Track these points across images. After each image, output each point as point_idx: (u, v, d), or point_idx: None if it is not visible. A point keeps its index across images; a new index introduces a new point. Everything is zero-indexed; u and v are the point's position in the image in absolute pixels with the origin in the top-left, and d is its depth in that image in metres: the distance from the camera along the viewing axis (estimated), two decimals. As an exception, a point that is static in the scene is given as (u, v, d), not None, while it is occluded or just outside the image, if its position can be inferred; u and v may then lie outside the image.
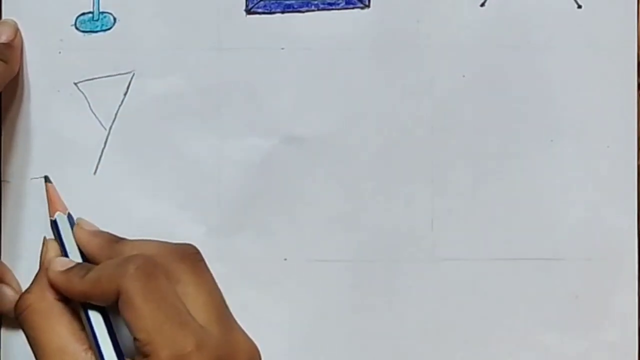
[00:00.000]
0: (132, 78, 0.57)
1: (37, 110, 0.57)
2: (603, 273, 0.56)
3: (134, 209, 0.57)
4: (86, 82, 0.57)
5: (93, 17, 0.57)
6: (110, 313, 0.50)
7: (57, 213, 0.54)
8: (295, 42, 0.57)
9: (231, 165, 0.57)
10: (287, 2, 0.57)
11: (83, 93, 0.57)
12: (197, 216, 0.56)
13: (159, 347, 0.46)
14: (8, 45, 0.55)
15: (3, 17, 0.56)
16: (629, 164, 0.57)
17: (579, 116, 0.57)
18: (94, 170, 0.57)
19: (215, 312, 0.49)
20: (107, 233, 0.54)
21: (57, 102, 0.57)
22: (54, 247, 0.53)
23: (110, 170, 0.57)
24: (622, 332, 0.56)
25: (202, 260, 0.51)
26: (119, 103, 0.57)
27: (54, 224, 0.54)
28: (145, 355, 0.46)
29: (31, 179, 0.57)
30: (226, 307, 0.50)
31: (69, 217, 0.54)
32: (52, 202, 0.55)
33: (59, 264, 0.51)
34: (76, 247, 0.53)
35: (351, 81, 0.57)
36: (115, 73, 0.57)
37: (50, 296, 0.50)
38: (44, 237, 0.54)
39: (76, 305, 0.50)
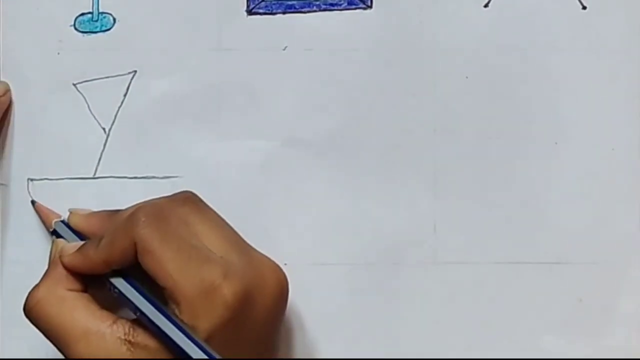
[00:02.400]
0: (132, 79, 0.57)
1: (36, 112, 0.56)
2: (608, 277, 0.56)
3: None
4: (85, 83, 0.57)
5: (92, 17, 0.56)
6: (132, 277, 0.49)
7: (54, 221, 0.54)
8: (296, 43, 0.57)
9: (231, 167, 0.56)
10: (289, 2, 0.56)
11: (82, 94, 0.56)
12: (197, 218, 0.56)
13: (187, 289, 0.46)
14: None
15: (2, 17, 0.56)
16: (635, 166, 0.56)
17: (584, 118, 0.56)
18: (93, 172, 0.57)
19: (230, 241, 0.49)
20: (102, 210, 0.53)
21: (56, 104, 0.56)
22: (61, 243, 0.52)
23: (109, 172, 0.56)
24: (627, 337, 0.56)
25: (202, 200, 0.51)
26: (119, 104, 0.57)
27: (55, 233, 0.54)
28: (177, 301, 0.46)
29: (30, 180, 0.56)
30: (239, 235, 0.50)
31: (63, 222, 0.54)
32: (46, 216, 0.55)
33: (69, 248, 0.50)
34: (80, 241, 0.52)
35: (353, 82, 0.57)
36: (115, 74, 0.57)
37: (61, 288, 0.49)
38: (53, 238, 0.54)
39: (94, 288, 0.50)
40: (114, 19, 0.57)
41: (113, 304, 0.50)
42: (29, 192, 0.56)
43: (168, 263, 0.46)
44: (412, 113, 0.57)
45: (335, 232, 0.56)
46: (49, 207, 0.56)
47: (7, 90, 0.56)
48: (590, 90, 0.56)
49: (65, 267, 0.50)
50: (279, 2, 0.57)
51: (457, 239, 0.56)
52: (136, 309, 0.48)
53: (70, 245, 0.51)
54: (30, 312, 0.49)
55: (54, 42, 0.56)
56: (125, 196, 0.56)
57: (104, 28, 0.57)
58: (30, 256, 0.56)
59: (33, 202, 0.56)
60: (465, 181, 0.56)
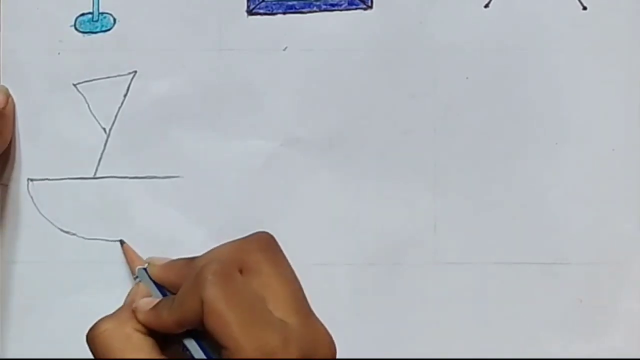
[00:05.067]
0: (132, 79, 0.57)
1: (36, 112, 0.56)
2: (608, 277, 0.56)
3: (134, 212, 0.56)
4: (86, 83, 0.56)
5: (93, 17, 0.56)
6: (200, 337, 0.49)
7: (137, 268, 0.53)
8: (297, 43, 0.57)
9: (232, 168, 0.56)
10: (289, 2, 0.56)
11: (82, 94, 0.56)
12: (197, 219, 0.56)
13: (248, 352, 0.46)
14: (0, 114, 0.55)
15: (2, 17, 0.56)
16: (635, 167, 0.56)
17: (584, 119, 0.56)
18: (93, 172, 0.57)
19: (296, 303, 0.49)
20: (179, 259, 0.52)
21: (56, 104, 0.56)
22: (143, 290, 0.52)
23: (109, 172, 0.56)
24: (627, 337, 0.56)
25: (279, 247, 0.50)
26: (119, 104, 0.56)
27: (137, 279, 0.53)
28: None
29: (30, 180, 0.56)
30: (304, 296, 0.50)
31: (146, 269, 0.53)
32: (131, 260, 0.56)
33: (145, 304, 0.50)
34: (159, 293, 0.52)
35: (353, 83, 0.56)
36: (115, 74, 0.57)
37: (129, 326, 0.49)
38: (136, 282, 0.53)
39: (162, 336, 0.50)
40: (114, 19, 0.57)
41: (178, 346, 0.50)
42: (29, 192, 0.56)
43: (231, 325, 0.46)
44: (412, 113, 0.56)
45: (335, 232, 0.56)
46: (136, 252, 0.56)
47: (8, 96, 0.56)
48: (590, 90, 0.56)
49: (141, 322, 0.49)
50: (279, 2, 0.57)
51: (457, 239, 0.56)
52: None
53: (146, 301, 0.50)
54: (94, 339, 0.49)
55: (54, 42, 0.56)
56: (125, 196, 0.56)
57: (104, 28, 0.57)
58: (31, 256, 0.56)
59: (122, 243, 0.56)
60: (465, 181, 0.56)
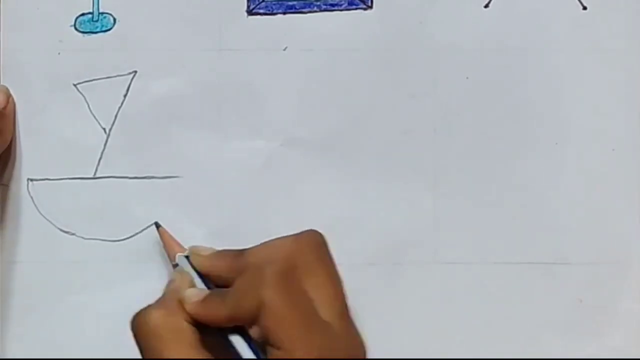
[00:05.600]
0: (132, 79, 0.57)
1: (36, 112, 0.56)
2: (608, 277, 0.56)
3: (134, 212, 0.56)
4: (86, 83, 0.56)
5: (93, 17, 0.56)
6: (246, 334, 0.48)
7: (177, 255, 0.53)
8: (297, 43, 0.57)
9: (232, 168, 0.56)
10: (289, 2, 0.56)
11: (82, 94, 0.56)
12: (197, 219, 0.56)
13: (301, 355, 0.46)
14: (0, 114, 0.55)
15: (3, 17, 0.56)
16: (635, 167, 0.56)
17: (584, 118, 0.56)
18: (93, 172, 0.56)
19: (340, 306, 0.48)
20: (226, 250, 0.52)
21: (56, 104, 0.56)
22: (185, 279, 0.51)
23: (109, 172, 0.56)
24: (627, 337, 0.56)
25: (329, 248, 0.50)
26: (119, 104, 0.56)
27: (176, 267, 0.53)
28: None
29: (30, 180, 0.56)
30: (346, 298, 0.49)
31: (187, 257, 0.52)
32: (170, 246, 0.54)
33: (194, 295, 0.49)
34: (201, 282, 0.51)
35: (353, 83, 0.56)
36: (115, 74, 0.57)
37: (180, 318, 0.48)
38: (176, 269, 0.52)
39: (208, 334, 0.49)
40: (114, 19, 0.57)
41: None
42: (29, 192, 0.56)
43: (291, 329, 0.46)
44: (412, 113, 0.56)
45: (335, 231, 0.56)
46: (174, 236, 0.55)
47: (9, 96, 0.56)
48: (590, 90, 0.56)
49: (189, 313, 0.48)
50: (279, 2, 0.57)
51: (457, 239, 0.56)
52: None
53: (194, 292, 0.49)
54: (143, 327, 0.48)
55: (54, 42, 0.56)
56: (125, 196, 0.56)
57: (104, 28, 0.57)
58: (31, 256, 0.56)
59: (157, 225, 0.55)
60: (466, 181, 0.56)
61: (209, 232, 0.56)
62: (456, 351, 0.56)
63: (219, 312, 0.48)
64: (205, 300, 0.49)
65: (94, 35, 0.57)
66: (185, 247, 0.53)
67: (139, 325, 0.48)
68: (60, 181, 0.56)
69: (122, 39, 0.57)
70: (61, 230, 0.56)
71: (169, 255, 0.54)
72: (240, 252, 0.50)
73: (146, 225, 0.56)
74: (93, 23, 0.57)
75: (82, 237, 0.56)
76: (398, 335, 0.56)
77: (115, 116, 0.57)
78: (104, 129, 0.57)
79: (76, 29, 0.57)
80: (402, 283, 0.56)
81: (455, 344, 0.56)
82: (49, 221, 0.56)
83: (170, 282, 0.51)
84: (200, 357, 0.47)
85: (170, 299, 0.49)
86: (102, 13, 0.57)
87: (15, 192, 0.57)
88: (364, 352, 0.49)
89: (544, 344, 0.56)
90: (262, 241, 0.55)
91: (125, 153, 0.57)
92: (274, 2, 0.57)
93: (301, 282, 0.48)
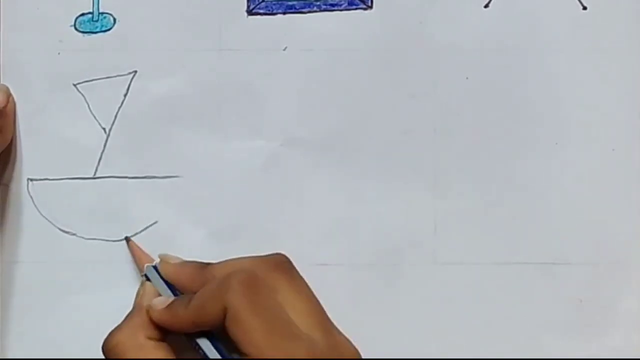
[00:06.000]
0: (132, 79, 0.57)
1: (36, 112, 0.56)
2: (608, 278, 0.56)
3: (134, 212, 0.56)
4: (86, 83, 0.56)
5: (93, 17, 0.56)
6: (214, 338, 0.49)
7: (146, 265, 0.54)
8: (297, 43, 0.57)
9: (232, 168, 0.56)
10: (289, 2, 0.56)
11: (82, 94, 0.56)
12: (197, 219, 0.56)
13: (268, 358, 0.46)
14: (1, 113, 0.55)
15: (2, 17, 0.56)
16: (635, 167, 0.56)
17: (584, 119, 0.56)
18: (93, 172, 0.56)
19: (316, 318, 0.49)
20: (193, 262, 0.53)
21: (56, 104, 0.56)
22: (151, 290, 0.53)
23: (109, 172, 0.56)
24: (627, 337, 0.56)
25: (294, 267, 0.51)
26: (119, 104, 0.56)
27: (146, 277, 0.53)
28: None
29: (30, 180, 0.56)
30: (324, 312, 0.50)
31: (155, 267, 0.54)
32: (139, 258, 0.55)
33: (159, 303, 0.51)
34: (168, 290, 0.52)
35: (353, 83, 0.56)
36: (115, 74, 0.56)
37: (142, 335, 0.50)
38: (143, 279, 0.53)
39: (175, 341, 0.50)
40: (114, 19, 0.56)
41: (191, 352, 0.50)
42: (29, 192, 0.56)
43: (255, 333, 0.46)
44: (412, 113, 0.56)
45: (335, 232, 0.56)
46: (143, 249, 0.56)
47: (9, 95, 0.56)
48: (590, 90, 0.56)
49: (153, 321, 0.50)
50: (279, 2, 0.56)
51: (457, 239, 0.56)
52: None
53: (160, 300, 0.51)
54: (109, 352, 0.50)
55: (54, 42, 0.56)
56: (125, 196, 0.56)
57: (104, 28, 0.56)
58: (31, 256, 0.56)
59: (127, 239, 0.56)
60: (465, 181, 0.56)
61: (209, 232, 0.56)
62: (456, 351, 0.56)
63: (183, 316, 0.49)
64: (170, 306, 0.50)
65: (94, 35, 0.57)
66: (156, 257, 0.54)
67: (106, 351, 0.50)
68: (60, 181, 0.56)
69: (122, 39, 0.57)
70: (61, 230, 0.56)
71: (138, 267, 0.55)
72: (207, 264, 0.52)
73: (146, 225, 0.56)
74: (93, 23, 0.56)
75: (82, 237, 0.56)
76: (398, 335, 0.56)
77: (115, 116, 0.57)
78: (104, 129, 0.57)
79: (76, 29, 0.57)
80: (402, 283, 0.56)
81: (455, 344, 0.56)
82: (49, 221, 0.56)
83: (136, 296, 0.53)
84: None
85: (135, 316, 0.51)
86: (102, 13, 0.57)
87: (15, 192, 0.56)
88: None
89: (544, 344, 0.56)
90: (261, 241, 0.56)
91: (125, 153, 0.56)
92: (274, 2, 0.56)
93: (269, 295, 0.48)
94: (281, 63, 0.57)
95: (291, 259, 0.51)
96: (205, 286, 0.49)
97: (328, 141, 0.56)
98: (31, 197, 0.56)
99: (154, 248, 0.56)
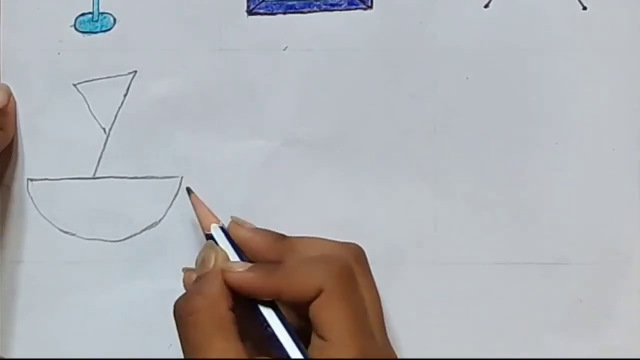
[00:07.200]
0: (132, 79, 0.57)
1: (36, 112, 0.56)
2: (608, 277, 0.56)
3: (134, 212, 0.56)
4: (85, 83, 0.56)
5: (93, 17, 0.56)
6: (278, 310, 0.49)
7: (212, 225, 0.52)
8: (297, 43, 0.57)
9: (232, 168, 0.56)
10: (289, 2, 0.56)
11: (82, 94, 0.56)
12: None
13: (345, 352, 0.46)
14: (2, 112, 0.55)
15: (2, 17, 0.56)
16: (635, 167, 0.56)
17: (584, 118, 0.56)
18: (93, 172, 0.56)
19: (380, 320, 0.50)
20: (266, 230, 0.52)
21: (56, 104, 0.56)
22: (222, 254, 0.50)
23: (109, 172, 0.56)
24: (627, 337, 0.56)
25: (367, 260, 0.51)
26: (119, 104, 0.56)
27: (210, 237, 0.52)
28: (327, 355, 0.46)
29: (30, 180, 0.56)
30: (383, 314, 0.50)
31: (223, 228, 0.52)
32: (204, 215, 0.53)
33: (238, 266, 0.49)
34: (235, 255, 0.50)
35: (353, 83, 0.56)
36: (115, 74, 0.56)
37: (224, 305, 0.47)
38: (209, 242, 0.51)
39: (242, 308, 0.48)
40: (114, 19, 0.56)
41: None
42: (28, 192, 0.56)
43: (342, 322, 0.46)
44: (412, 113, 0.56)
45: (335, 232, 0.56)
46: (207, 205, 0.53)
47: (9, 94, 0.56)
48: (590, 90, 0.56)
49: (229, 283, 0.48)
50: (279, 2, 0.56)
51: (457, 239, 0.56)
52: (278, 343, 0.48)
53: (237, 264, 0.49)
54: (184, 319, 0.47)
55: (54, 42, 0.56)
56: (125, 196, 0.56)
57: (104, 28, 0.57)
58: (31, 256, 0.56)
59: (189, 191, 0.54)
60: (466, 181, 0.56)
61: (209, 232, 0.56)
62: (456, 351, 0.56)
63: (270, 284, 0.48)
64: (252, 269, 0.48)
65: (94, 35, 0.57)
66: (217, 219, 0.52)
67: (183, 315, 0.47)
68: (60, 181, 0.56)
69: (122, 39, 0.57)
70: (61, 230, 0.56)
71: (201, 225, 0.53)
72: (284, 236, 0.51)
73: (146, 225, 0.56)
74: (93, 23, 0.56)
75: (82, 237, 0.56)
76: (398, 335, 0.56)
77: (115, 116, 0.57)
78: (104, 129, 0.57)
79: (76, 29, 0.57)
80: (402, 283, 0.56)
81: (455, 344, 0.56)
82: (49, 221, 0.56)
83: (204, 260, 0.50)
84: (241, 353, 0.46)
85: (214, 281, 0.48)
86: (102, 13, 0.57)
87: (15, 192, 0.56)
88: None
89: (544, 344, 0.56)
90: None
91: (125, 153, 0.56)
92: (274, 2, 0.56)
93: (359, 289, 0.48)
94: (281, 63, 0.57)
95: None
96: (300, 260, 0.49)
97: (328, 141, 0.56)
98: (31, 197, 0.56)
99: (154, 248, 0.56)
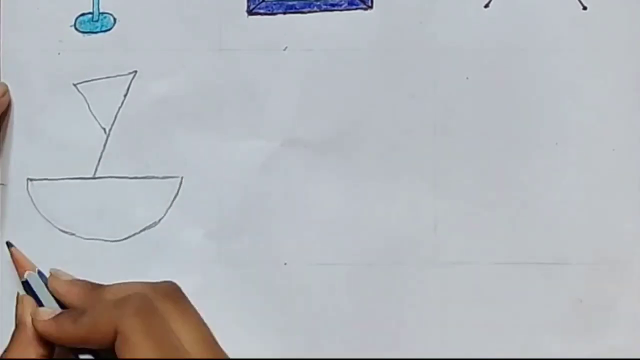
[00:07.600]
0: (132, 79, 0.57)
1: (36, 112, 0.56)
2: (608, 277, 0.56)
3: (134, 212, 0.56)
4: (86, 83, 0.56)
5: (93, 17, 0.56)
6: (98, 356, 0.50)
7: (27, 273, 0.54)
8: (297, 43, 0.57)
9: (232, 168, 0.56)
10: (289, 2, 0.56)
11: (82, 94, 0.56)
12: (196, 219, 0.56)
13: None
14: None
15: (2, 17, 0.56)
16: (635, 167, 0.56)
17: (584, 119, 0.56)
18: (93, 172, 0.56)
19: (207, 345, 0.49)
20: (83, 281, 0.54)
21: (56, 104, 0.56)
22: (30, 302, 0.53)
23: (109, 172, 0.56)
24: (627, 337, 0.56)
25: (184, 296, 0.51)
26: (119, 104, 0.56)
27: (27, 284, 0.54)
28: None
29: (30, 180, 0.56)
30: (214, 339, 0.50)
31: (39, 273, 0.54)
32: (20, 264, 0.55)
33: (45, 314, 0.51)
34: (53, 301, 0.53)
35: (353, 83, 0.56)
36: (115, 74, 0.56)
37: (32, 352, 0.50)
38: (17, 293, 0.54)
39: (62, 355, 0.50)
40: (114, 19, 0.56)
41: None
42: (28, 192, 0.56)
43: (146, 357, 0.47)
44: (412, 113, 0.56)
45: (335, 232, 0.56)
46: (26, 256, 0.55)
47: (6, 91, 0.56)
48: (590, 90, 0.56)
49: (37, 332, 0.50)
50: (279, 2, 0.56)
51: (457, 239, 0.56)
52: None
53: (44, 311, 0.52)
54: None
55: (54, 42, 0.56)
56: (125, 196, 0.56)
57: (104, 28, 0.56)
58: (31, 256, 0.56)
59: (9, 245, 0.56)
60: (466, 181, 0.56)
61: (208, 233, 0.56)
62: (456, 351, 0.56)
63: (72, 331, 0.49)
64: (57, 318, 0.50)
65: (94, 35, 0.57)
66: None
67: None
68: (60, 181, 0.56)
69: (122, 39, 0.57)
70: (61, 230, 0.56)
71: (18, 273, 0.55)
72: (98, 285, 0.53)
73: (146, 225, 0.56)
74: (93, 23, 0.56)
75: (82, 237, 0.56)
76: (398, 335, 0.56)
77: (115, 116, 0.56)
78: (104, 129, 0.56)
79: (76, 29, 0.57)
80: (402, 283, 0.56)
81: (455, 344, 0.56)
82: (49, 221, 0.56)
83: (16, 312, 0.53)
84: None
85: (21, 332, 0.51)
86: (102, 13, 0.57)
87: (15, 192, 0.56)
88: None
89: (543, 344, 0.56)
90: (261, 241, 0.56)
91: (125, 153, 0.56)
92: (274, 2, 0.56)
93: (161, 322, 0.48)
94: (281, 63, 0.57)
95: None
96: (99, 304, 0.50)
97: (328, 141, 0.56)
98: (31, 197, 0.56)
99: (154, 248, 0.56)
